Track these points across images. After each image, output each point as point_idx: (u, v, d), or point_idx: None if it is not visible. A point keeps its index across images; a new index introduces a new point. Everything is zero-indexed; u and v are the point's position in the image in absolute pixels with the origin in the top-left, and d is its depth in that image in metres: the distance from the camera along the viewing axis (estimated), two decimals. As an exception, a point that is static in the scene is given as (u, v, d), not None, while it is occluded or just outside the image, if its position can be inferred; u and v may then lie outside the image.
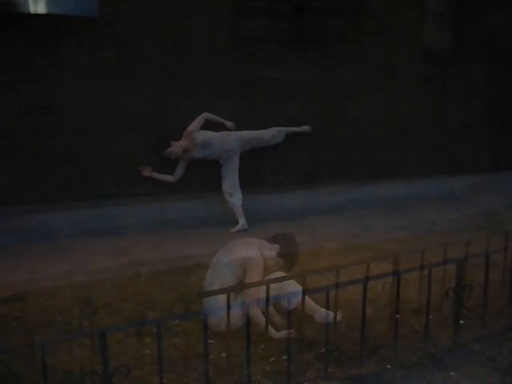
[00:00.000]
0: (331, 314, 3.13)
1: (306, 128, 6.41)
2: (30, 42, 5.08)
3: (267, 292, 2.78)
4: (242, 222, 5.68)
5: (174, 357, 2.96)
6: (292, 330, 2.88)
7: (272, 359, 2.99)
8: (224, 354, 2.94)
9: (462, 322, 3.26)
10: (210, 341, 2.86)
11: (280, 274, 3.43)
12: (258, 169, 6.34)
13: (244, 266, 3.38)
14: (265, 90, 6.25)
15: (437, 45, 7.57)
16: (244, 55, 6.12)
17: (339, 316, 3.20)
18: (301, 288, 2.96)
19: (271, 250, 3.50)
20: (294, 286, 3.37)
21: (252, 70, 6.17)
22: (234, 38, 6.00)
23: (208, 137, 5.70)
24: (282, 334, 3.15)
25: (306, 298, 3.11)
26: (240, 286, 3.31)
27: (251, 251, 3.45)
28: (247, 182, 5.98)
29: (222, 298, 2.82)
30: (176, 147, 5.62)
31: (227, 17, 5.93)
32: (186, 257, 4.70)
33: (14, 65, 5.04)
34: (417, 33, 7.29)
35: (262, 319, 3.12)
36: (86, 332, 3.10)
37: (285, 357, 2.83)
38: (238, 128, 5.92)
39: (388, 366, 2.95)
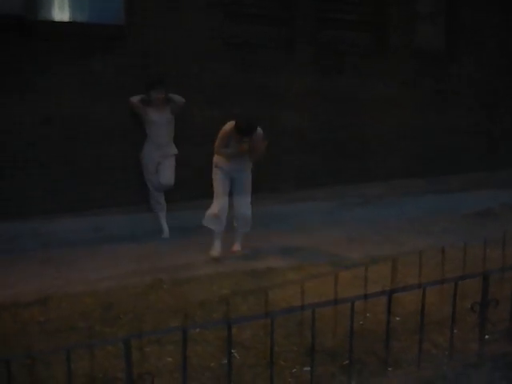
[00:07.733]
0: None
1: None
2: (55, 50, 5.16)
3: None
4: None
5: (195, 365, 2.94)
6: None
7: (294, 370, 2.96)
8: (246, 364, 2.92)
9: (487, 336, 3.20)
10: (232, 351, 2.84)
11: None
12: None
13: None
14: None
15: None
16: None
17: None
18: None
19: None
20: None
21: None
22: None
23: None
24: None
25: None
26: None
27: None
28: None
29: None
30: None
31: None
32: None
33: (41, 72, 5.12)
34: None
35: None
36: (111, 340, 3.11)
37: (307, 368, 2.80)
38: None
39: (412, 381, 2.90)
